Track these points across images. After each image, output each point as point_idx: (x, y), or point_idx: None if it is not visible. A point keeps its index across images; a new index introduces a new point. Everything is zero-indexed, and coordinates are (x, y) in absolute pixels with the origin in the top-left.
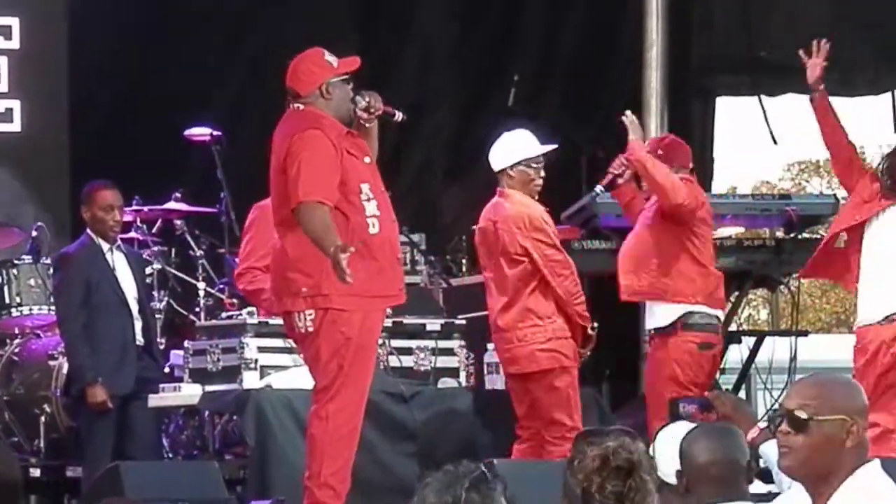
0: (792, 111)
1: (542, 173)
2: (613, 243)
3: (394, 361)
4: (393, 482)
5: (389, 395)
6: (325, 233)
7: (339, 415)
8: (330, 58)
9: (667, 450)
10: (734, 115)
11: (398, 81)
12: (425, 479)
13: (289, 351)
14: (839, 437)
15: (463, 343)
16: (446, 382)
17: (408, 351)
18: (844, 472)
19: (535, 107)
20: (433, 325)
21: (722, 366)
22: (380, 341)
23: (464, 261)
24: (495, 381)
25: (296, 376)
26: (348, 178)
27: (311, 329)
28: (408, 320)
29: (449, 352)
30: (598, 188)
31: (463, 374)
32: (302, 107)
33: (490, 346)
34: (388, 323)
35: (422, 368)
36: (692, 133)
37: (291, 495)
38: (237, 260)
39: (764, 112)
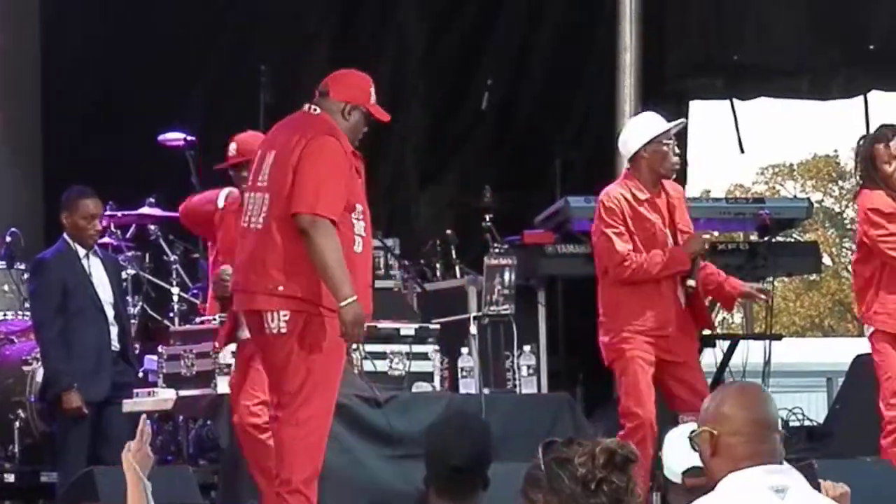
0: (766, 114)
1: (677, 150)
2: (586, 247)
3: (368, 366)
4: (369, 484)
5: (363, 400)
6: (339, 265)
7: (311, 421)
8: (373, 91)
9: (675, 449)
10: (708, 118)
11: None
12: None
13: None
14: (706, 449)
15: (437, 347)
16: (420, 387)
17: (382, 355)
18: (718, 480)
19: (509, 110)
20: (407, 329)
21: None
22: (353, 346)
23: (438, 265)
24: (469, 385)
25: None
26: (349, 195)
27: (283, 330)
28: (382, 325)
29: (423, 356)
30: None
31: (437, 379)
32: (319, 111)
33: (464, 349)
34: None
35: (396, 373)
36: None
37: None
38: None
39: (735, 117)
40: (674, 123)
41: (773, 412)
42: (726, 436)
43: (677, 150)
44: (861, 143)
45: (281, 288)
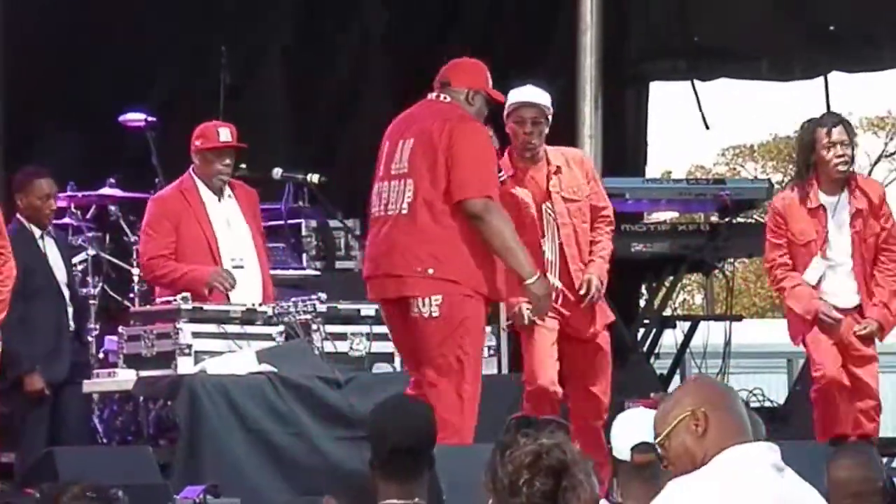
0: (726, 96)
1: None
2: None
3: (328, 347)
4: (329, 467)
5: (324, 381)
6: (518, 244)
7: (473, 400)
8: (489, 76)
9: (622, 429)
10: (668, 99)
11: (334, 68)
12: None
13: (223, 336)
14: (698, 429)
15: None
16: (381, 367)
17: (342, 336)
18: (705, 460)
19: None
20: (368, 310)
21: (656, 350)
22: (314, 327)
23: None
24: None
25: (230, 362)
26: None
27: (435, 314)
28: (342, 305)
29: (384, 337)
30: None
31: (397, 360)
32: (448, 99)
33: None
34: (323, 308)
35: (356, 354)
36: (626, 118)
37: (224, 480)
38: (140, 250)
39: (697, 96)
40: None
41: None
42: (720, 411)
43: (530, 130)
44: (803, 128)
45: (431, 271)
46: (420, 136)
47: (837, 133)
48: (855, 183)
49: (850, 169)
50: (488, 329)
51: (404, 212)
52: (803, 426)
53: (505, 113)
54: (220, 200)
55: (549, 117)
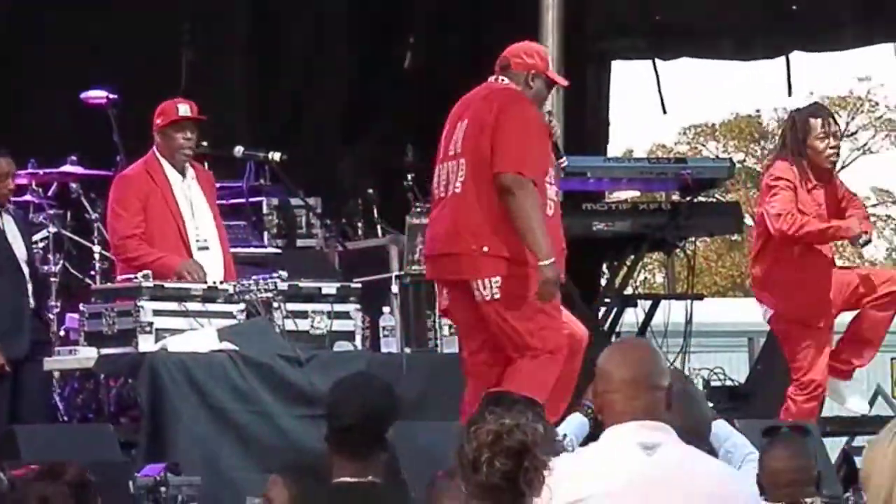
0: (687, 75)
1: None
2: None
3: (289, 325)
4: (290, 444)
5: (285, 359)
6: (540, 225)
7: (554, 373)
8: (549, 59)
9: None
10: (630, 78)
11: (294, 44)
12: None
13: (184, 314)
14: (597, 405)
15: (358, 307)
16: (342, 346)
17: (303, 314)
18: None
19: (431, 69)
20: (329, 288)
21: (618, 329)
22: (275, 305)
23: (360, 224)
24: (391, 345)
25: (191, 340)
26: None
27: (497, 296)
28: (303, 284)
29: (345, 315)
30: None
31: (359, 338)
32: (507, 81)
33: (386, 309)
34: (284, 286)
35: (317, 332)
36: (587, 96)
37: (185, 458)
38: (110, 229)
39: (657, 78)
40: None
41: (650, 369)
42: (608, 393)
43: None
44: (797, 112)
45: (487, 248)
46: (473, 116)
47: (832, 125)
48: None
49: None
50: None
51: (458, 191)
52: (765, 404)
53: None
54: (183, 180)
55: None
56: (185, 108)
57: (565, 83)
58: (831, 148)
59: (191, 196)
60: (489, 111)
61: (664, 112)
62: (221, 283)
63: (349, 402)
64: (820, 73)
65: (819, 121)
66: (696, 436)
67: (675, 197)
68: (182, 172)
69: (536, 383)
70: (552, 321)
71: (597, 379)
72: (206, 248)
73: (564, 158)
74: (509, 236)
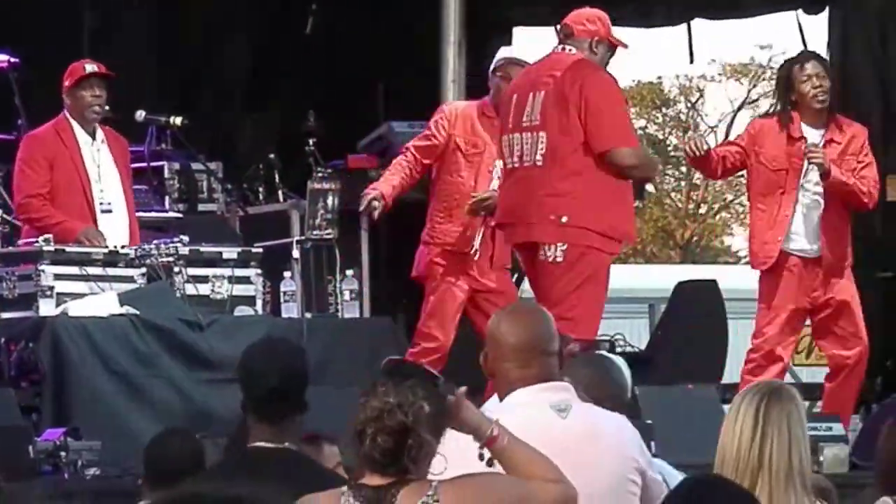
0: None
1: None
2: None
3: (190, 289)
4: (191, 408)
5: (186, 323)
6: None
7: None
8: (610, 25)
9: None
10: (533, 46)
11: (195, 10)
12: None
13: (85, 279)
14: (486, 369)
15: (259, 271)
16: (243, 310)
17: (204, 279)
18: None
19: (333, 35)
20: (230, 253)
21: (518, 295)
22: (176, 269)
23: (261, 189)
24: (291, 310)
25: (92, 304)
26: None
27: (559, 260)
28: (204, 248)
29: (245, 280)
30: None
31: (259, 303)
32: (574, 50)
33: (287, 273)
34: (185, 251)
35: (218, 296)
36: (489, 65)
37: (87, 422)
38: (15, 187)
39: None
40: None
41: (540, 334)
42: (499, 360)
43: None
44: (781, 68)
45: (565, 219)
46: (552, 89)
47: (812, 66)
48: (838, 121)
49: (828, 101)
50: (350, 272)
51: (539, 163)
52: (665, 371)
53: (492, 67)
54: (93, 143)
55: None
56: (92, 67)
57: (627, 46)
58: (815, 88)
59: (99, 159)
60: (570, 83)
61: None
62: (123, 247)
63: (267, 367)
64: (722, 41)
65: (797, 66)
66: (619, 402)
67: None
68: (92, 135)
69: None
70: (594, 310)
71: (487, 345)
72: (110, 210)
73: None
74: (588, 207)
